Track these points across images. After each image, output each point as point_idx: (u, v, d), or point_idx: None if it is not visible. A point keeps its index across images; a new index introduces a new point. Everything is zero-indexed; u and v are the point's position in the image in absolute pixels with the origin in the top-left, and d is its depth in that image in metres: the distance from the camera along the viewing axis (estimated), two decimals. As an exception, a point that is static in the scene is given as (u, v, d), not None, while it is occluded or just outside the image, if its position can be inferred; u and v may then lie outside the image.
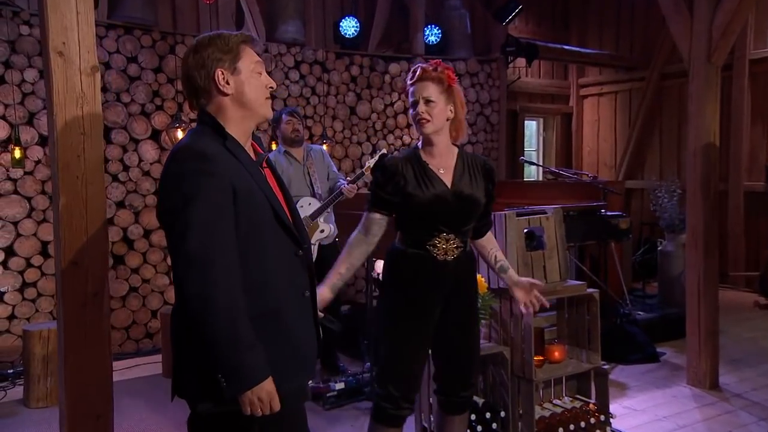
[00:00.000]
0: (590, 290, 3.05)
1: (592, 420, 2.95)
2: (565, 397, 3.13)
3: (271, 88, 1.58)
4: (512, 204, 5.56)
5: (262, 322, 1.44)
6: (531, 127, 7.92)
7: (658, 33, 6.89)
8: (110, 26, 4.44)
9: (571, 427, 2.87)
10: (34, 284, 4.22)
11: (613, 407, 3.28)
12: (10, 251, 4.15)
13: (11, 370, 3.93)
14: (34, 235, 4.21)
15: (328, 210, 3.75)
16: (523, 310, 2.31)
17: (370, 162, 3.49)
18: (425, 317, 2.16)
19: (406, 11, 5.96)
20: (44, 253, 4.21)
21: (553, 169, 5.34)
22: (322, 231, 3.73)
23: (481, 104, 6.43)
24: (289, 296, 1.51)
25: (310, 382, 3.31)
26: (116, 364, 4.15)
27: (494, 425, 2.82)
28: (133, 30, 4.53)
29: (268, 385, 1.39)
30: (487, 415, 2.81)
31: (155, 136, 4.62)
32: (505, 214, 3.01)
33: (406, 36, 6.07)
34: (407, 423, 2.26)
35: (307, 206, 3.69)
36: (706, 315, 3.64)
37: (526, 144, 7.64)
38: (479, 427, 2.79)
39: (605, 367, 3.05)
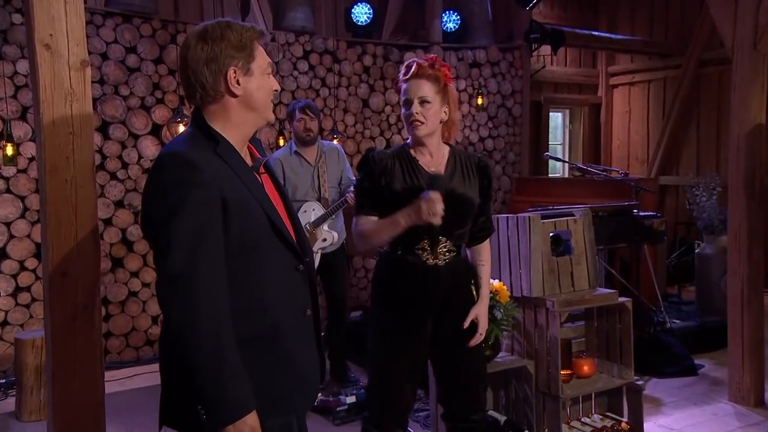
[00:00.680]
0: (622, 299, 2.98)
1: (625, 441, 2.87)
2: (595, 415, 3.07)
3: (276, 90, 1.54)
4: (536, 202, 5.51)
5: (257, 345, 1.40)
6: (556, 119, 7.82)
7: (696, 16, 6.74)
8: (108, 14, 4.43)
9: (602, 448, 2.80)
10: (27, 289, 4.23)
11: (648, 426, 3.20)
12: (2, 253, 4.16)
13: (3, 380, 3.94)
14: (28, 236, 4.22)
15: (333, 217, 3.67)
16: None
17: None
18: (414, 330, 2.10)
19: (423, -4, 5.91)
20: (39, 255, 4.21)
21: (581, 165, 5.24)
22: (325, 240, 3.66)
23: (502, 95, 6.34)
24: (288, 316, 1.46)
25: (320, 395, 3.28)
26: (114, 374, 4.15)
27: (517, 446, 2.76)
28: (132, 18, 4.51)
29: (251, 420, 1.33)
30: (510, 434, 2.75)
31: (156, 131, 4.61)
32: (529, 216, 2.95)
33: (423, 23, 6.00)
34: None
35: (310, 212, 3.63)
36: (750, 324, 3.55)
37: (550, 137, 7.54)
38: (501, 448, 2.72)
39: (639, 382, 2.98)
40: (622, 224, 4.23)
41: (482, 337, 2.20)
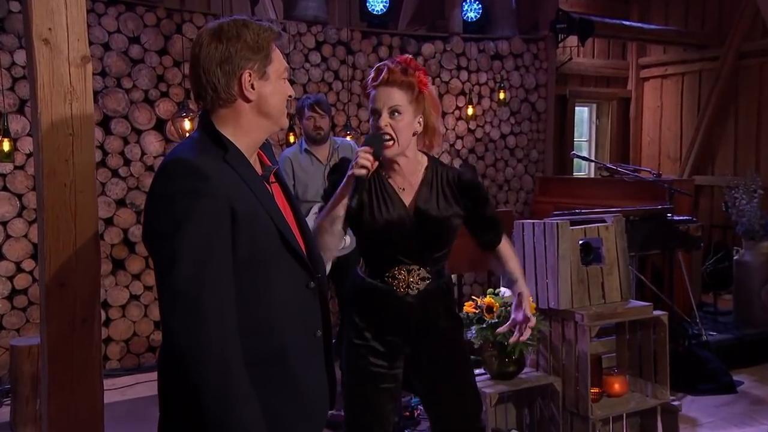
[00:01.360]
0: (657, 312, 2.93)
1: (659, 466, 2.82)
2: (626, 437, 3.01)
3: (290, 96, 1.51)
4: (560, 204, 5.45)
5: (263, 368, 1.37)
6: (582, 114, 7.73)
7: (736, 5, 6.62)
8: (110, 2, 4.42)
9: (634, 474, 2.75)
10: (24, 291, 4.23)
11: (683, 449, 3.13)
12: (-1, 254, 4.17)
13: (-1, 388, 3.95)
14: (25, 236, 4.22)
15: None
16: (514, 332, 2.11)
17: None
18: (389, 361, 2.03)
19: (442, -17, 5.85)
20: (36, 256, 4.20)
21: (610, 165, 5.16)
22: None
23: (526, 89, 6.27)
24: (297, 337, 1.43)
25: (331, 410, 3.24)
26: (115, 382, 4.14)
27: (543, 470, 2.71)
28: (135, 7, 4.49)
29: None
30: (535, 457, 2.70)
31: (160, 126, 4.59)
32: (557, 223, 2.90)
33: (442, 12, 5.94)
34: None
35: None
36: (794, 340, 3.47)
37: (575, 133, 7.45)
38: (525, 472, 2.68)
39: (675, 402, 2.91)
40: (655, 229, 4.15)
41: (533, 321, 2.08)
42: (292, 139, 4.81)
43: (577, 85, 7.29)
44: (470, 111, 5.84)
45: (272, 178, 1.52)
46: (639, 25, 6.99)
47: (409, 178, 2.01)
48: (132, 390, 4.11)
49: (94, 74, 4.24)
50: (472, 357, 2.30)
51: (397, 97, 1.91)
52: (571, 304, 2.86)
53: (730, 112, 6.87)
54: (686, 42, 7.04)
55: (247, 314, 1.35)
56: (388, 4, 5.51)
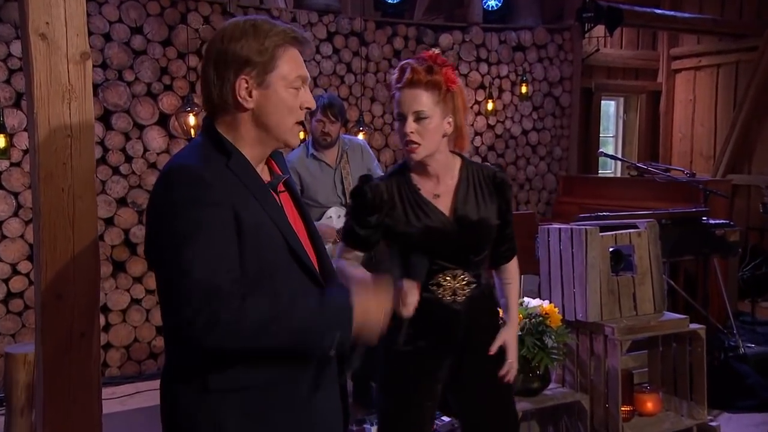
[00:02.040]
0: (694, 326, 2.88)
1: (694, 491, 2.77)
2: (659, 459, 2.96)
3: (308, 108, 1.44)
4: (585, 205, 5.38)
5: (275, 392, 1.36)
6: (608, 108, 7.64)
7: (776, -8, 6.50)
8: (111, -9, 4.41)
9: (668, 499, 2.70)
10: (20, 294, 4.23)
11: (720, 472, 3.07)
12: (-6, 256, 4.17)
13: (-7, 397, 3.95)
14: (22, 237, 4.22)
15: None
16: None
17: None
18: (434, 376, 2.03)
19: (461, -30, 5.81)
20: (33, 258, 4.21)
21: (640, 164, 5.09)
22: None
23: (549, 83, 6.21)
24: (299, 361, 1.40)
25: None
26: (114, 390, 4.14)
27: (569, 494, 2.67)
28: (137, -5, 4.49)
29: (360, 313, 1.35)
30: (561, 481, 2.66)
31: (163, 121, 4.58)
32: (585, 229, 2.86)
33: (460, 1, 5.89)
34: None
35: (336, 218, 3.55)
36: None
37: (601, 129, 7.37)
38: (551, 497, 2.63)
39: (713, 423, 2.86)
40: (688, 234, 4.09)
41: (514, 369, 2.09)
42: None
43: (603, 77, 7.21)
44: (490, 106, 5.79)
45: (281, 187, 1.49)
46: (671, 13, 6.88)
47: (443, 181, 2.00)
48: (132, 400, 4.10)
49: (94, 66, 4.21)
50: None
51: (423, 99, 1.88)
52: (601, 316, 2.83)
53: (770, 107, 6.76)
54: (722, 31, 6.93)
55: None
56: (403, -8, 5.47)
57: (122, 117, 4.45)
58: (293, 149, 1.41)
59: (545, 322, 2.66)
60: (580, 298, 2.83)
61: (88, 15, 1.93)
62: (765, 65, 6.66)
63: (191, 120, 4.40)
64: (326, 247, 1.63)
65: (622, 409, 2.76)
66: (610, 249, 2.90)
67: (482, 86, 5.84)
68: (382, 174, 3.65)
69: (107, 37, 4.39)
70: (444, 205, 1.98)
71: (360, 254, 2.01)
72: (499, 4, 5.97)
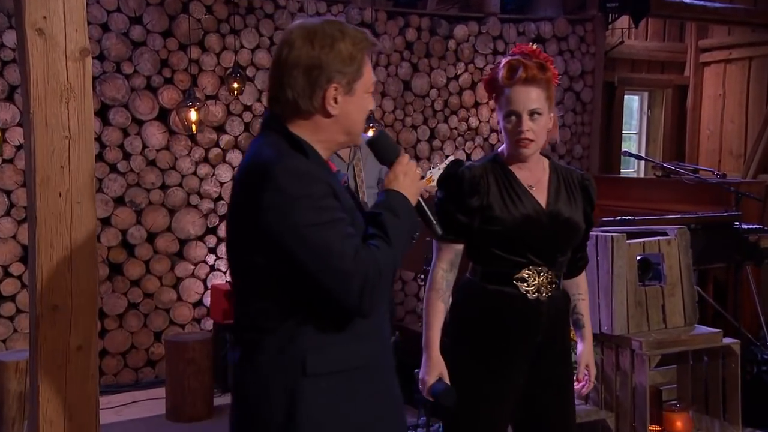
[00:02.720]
0: (728, 340, 2.85)
1: None
2: (689, 482, 2.93)
3: (371, 110, 1.58)
4: (607, 207, 5.33)
5: (358, 375, 1.49)
6: (631, 103, 7.59)
7: (813, -19, 6.43)
8: (109, -21, 4.41)
9: None
10: (12, 298, 4.24)
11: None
12: (-15, 257, 4.18)
13: (-15, 406, 3.95)
14: (14, 237, 4.23)
15: None
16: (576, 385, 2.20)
17: (433, 171, 3.29)
18: (510, 379, 2.06)
19: (478, -44, 5.76)
20: (25, 259, 4.21)
21: (668, 165, 5.04)
22: None
23: (570, 77, 6.17)
24: (380, 344, 1.57)
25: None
26: (110, 399, 4.14)
27: None
28: (137, -17, 4.48)
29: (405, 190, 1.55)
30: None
31: (163, 116, 4.58)
32: (612, 236, 2.83)
33: (477, -11, 5.85)
34: None
35: None
36: None
37: (624, 126, 7.31)
38: None
39: (746, 445, 2.83)
40: (719, 240, 4.05)
41: (592, 386, 2.19)
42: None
43: (626, 71, 7.14)
44: (508, 101, 5.74)
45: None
46: (701, 3, 6.81)
47: (536, 174, 2.07)
48: (129, 410, 4.11)
49: (91, 58, 4.22)
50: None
51: (536, 96, 1.96)
52: (627, 329, 2.80)
53: (805, 104, 6.69)
54: (755, 22, 6.85)
55: (342, 322, 1.46)
56: (417, -19, 5.45)
57: (120, 112, 4.45)
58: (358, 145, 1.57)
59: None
60: (606, 309, 2.80)
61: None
62: (800, 59, 6.60)
63: (193, 115, 4.39)
64: None
65: (650, 428, 2.73)
66: (638, 257, 2.87)
67: (498, 80, 5.80)
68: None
69: (105, 28, 4.39)
70: (539, 196, 2.05)
71: (460, 248, 2.07)
72: (518, -6, 5.93)
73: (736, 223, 4.15)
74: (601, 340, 2.82)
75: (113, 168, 4.44)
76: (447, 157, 3.51)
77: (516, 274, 2.02)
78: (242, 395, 1.51)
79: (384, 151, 1.60)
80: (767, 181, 6.44)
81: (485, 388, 2.04)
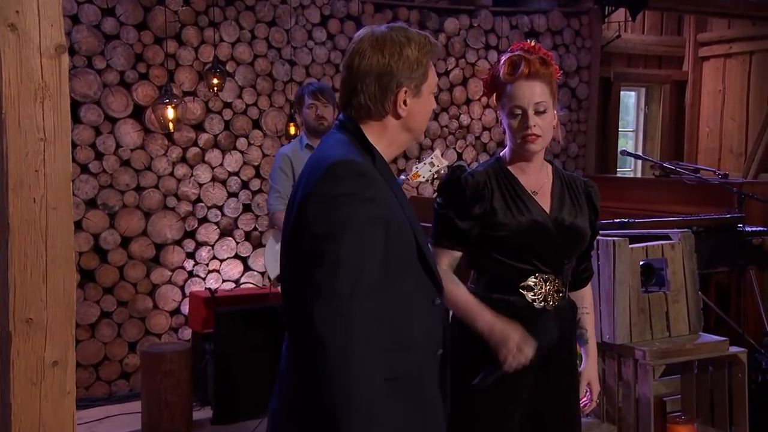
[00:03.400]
0: (734, 349, 2.87)
1: None
2: (694, 497, 2.95)
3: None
4: (605, 209, 5.30)
5: (406, 386, 1.56)
6: (628, 99, 7.64)
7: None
8: (80, -32, 4.38)
9: None
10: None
11: None
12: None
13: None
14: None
15: None
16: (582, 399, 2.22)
17: (419, 167, 3.28)
18: (514, 393, 2.06)
19: (469, -54, 5.79)
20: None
21: (668, 164, 5.08)
22: None
23: (565, 72, 6.19)
24: (428, 355, 1.63)
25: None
26: (81, 415, 4.10)
27: None
28: (109, -28, 4.47)
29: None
30: None
31: (137, 113, 4.57)
32: (614, 240, 2.84)
33: (468, -19, 5.88)
34: None
35: None
36: None
37: (620, 123, 7.36)
38: None
39: (754, 458, 2.85)
40: (722, 243, 4.08)
41: (595, 405, 2.21)
42: (293, 130, 4.75)
43: (623, 65, 7.20)
44: (500, 97, 5.76)
45: None
46: (701, -5, 6.89)
47: (539, 179, 2.09)
48: (102, 426, 4.09)
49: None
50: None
51: (540, 91, 1.99)
52: (630, 337, 2.82)
53: (807, 100, 6.77)
54: (756, 15, 6.92)
55: (390, 328, 1.53)
56: (405, -29, 5.45)
57: (92, 109, 4.42)
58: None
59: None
60: (607, 317, 2.81)
61: (55, -6, 1.89)
62: (802, 54, 6.68)
63: (169, 113, 4.36)
64: None
65: (654, 441, 2.73)
66: (641, 263, 2.88)
67: (491, 76, 5.83)
68: None
69: (75, 20, 4.36)
70: (542, 202, 2.07)
71: (458, 255, 2.09)
72: (511, -15, 5.96)
73: (739, 225, 4.18)
74: (602, 349, 2.83)
75: (84, 169, 4.42)
76: (437, 149, 3.48)
77: (522, 282, 2.04)
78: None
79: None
80: (761, 178, 6.53)
81: (489, 401, 2.04)
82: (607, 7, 6.24)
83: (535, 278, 2.04)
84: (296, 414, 1.55)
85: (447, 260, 2.07)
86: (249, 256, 4.95)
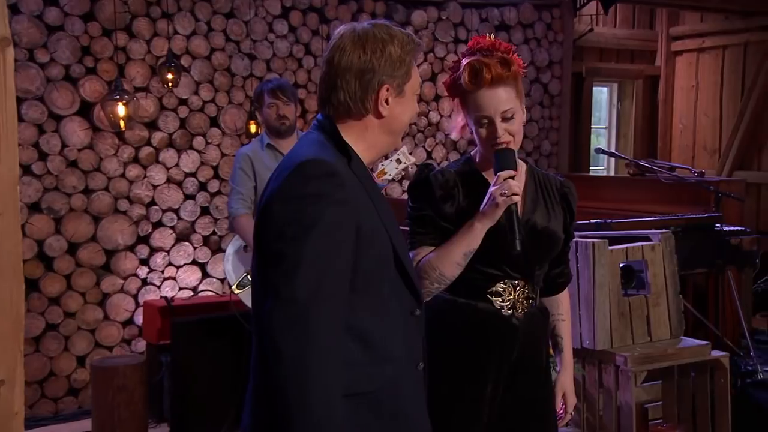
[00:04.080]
0: (716, 353, 2.92)
1: None
2: (677, 507, 3.00)
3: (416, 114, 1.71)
4: (579, 209, 5.38)
5: (378, 400, 1.55)
6: (600, 95, 7.74)
7: (789, -36, 6.68)
8: (21, -46, 4.30)
9: None
10: None
11: None
12: None
13: None
14: None
15: None
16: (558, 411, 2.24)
17: (384, 164, 3.27)
18: (483, 402, 2.06)
19: (436, -66, 5.80)
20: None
21: (643, 162, 5.16)
22: None
23: (537, 67, 6.26)
24: (405, 369, 1.62)
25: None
26: (27, 436, 4.01)
27: None
28: (52, -41, 4.41)
29: None
30: None
31: (85, 110, 4.51)
32: (593, 242, 2.87)
33: (436, -30, 5.90)
34: None
35: None
36: None
37: (593, 119, 7.46)
38: None
39: (737, 466, 2.90)
40: (700, 243, 4.17)
41: (570, 417, 2.21)
42: (253, 128, 4.71)
43: (595, 60, 7.28)
44: (470, 93, 5.79)
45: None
46: (673, -12, 7.02)
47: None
48: (49, 446, 3.99)
49: None
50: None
51: (505, 97, 1.96)
52: (611, 343, 2.84)
53: (782, 95, 6.92)
54: (728, 8, 7.07)
55: (361, 339, 1.53)
56: (370, -39, 5.45)
57: (34, 106, 4.36)
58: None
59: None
60: (587, 322, 2.83)
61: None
62: (777, 48, 6.84)
63: (120, 110, 4.30)
64: None
65: (636, 450, 2.77)
66: (621, 265, 2.91)
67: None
68: None
69: (14, 9, 4.27)
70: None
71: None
72: (480, -24, 5.99)
73: (717, 225, 4.26)
74: (582, 355, 2.86)
75: (27, 170, 4.34)
76: (404, 146, 3.46)
77: (490, 288, 2.04)
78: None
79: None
80: (746, 179, 6.67)
81: (457, 411, 2.04)
82: (578, 0, 6.31)
83: (504, 284, 2.04)
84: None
85: (425, 254, 2.05)
86: (207, 262, 4.89)
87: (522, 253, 1.97)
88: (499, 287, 2.04)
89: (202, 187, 4.85)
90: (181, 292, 4.77)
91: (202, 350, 4.06)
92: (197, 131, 4.81)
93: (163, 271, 4.74)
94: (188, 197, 4.81)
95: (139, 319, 4.61)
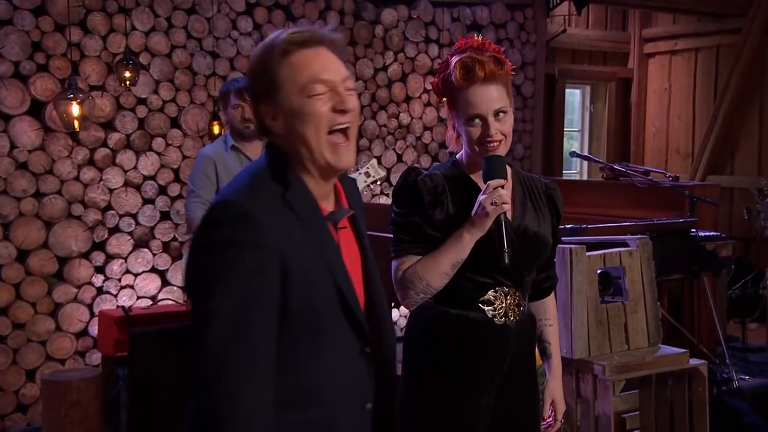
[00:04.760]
0: (694, 361, 2.95)
1: None
2: None
3: (341, 111, 1.49)
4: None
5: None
6: (573, 98, 7.82)
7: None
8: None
9: None
10: None
11: None
12: None
13: None
14: None
15: None
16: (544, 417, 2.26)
17: (362, 171, 3.26)
18: (475, 414, 2.07)
19: (406, -69, 5.84)
20: None
21: (618, 166, 5.21)
22: None
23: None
24: (345, 410, 1.55)
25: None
26: (-27, 456, 3.92)
27: None
28: (2, -51, 4.34)
29: None
30: None
31: (36, 110, 4.46)
32: (570, 248, 2.89)
33: (406, -31, 5.92)
34: None
35: None
36: None
37: (566, 122, 7.53)
38: None
39: (717, 477, 2.93)
40: (676, 249, 4.21)
41: (559, 425, 2.22)
42: (216, 129, 4.68)
43: (566, 62, 7.37)
44: (441, 95, 5.81)
45: (344, 223, 1.60)
46: (645, -11, 7.12)
47: None
48: (-3, 467, 3.90)
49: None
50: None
51: (498, 95, 2.00)
52: (588, 351, 2.85)
53: (755, 97, 7.06)
54: (701, 11, 7.20)
55: (292, 384, 1.47)
56: (338, -43, 5.45)
57: (-19, 105, 4.31)
58: (341, 167, 1.48)
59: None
60: (564, 330, 2.83)
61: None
62: (750, 50, 6.96)
63: (74, 109, 4.22)
64: None
65: (614, 461, 2.78)
66: (598, 271, 2.93)
67: (432, 72, 5.85)
68: None
69: (-39, 3, 4.21)
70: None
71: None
72: (451, -26, 6.02)
73: (692, 230, 4.31)
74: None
75: (-26, 173, 4.28)
76: (373, 158, 3.49)
77: (481, 296, 2.05)
78: None
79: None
80: (721, 183, 6.78)
81: (447, 424, 2.05)
82: (551, 0, 6.38)
83: (495, 292, 2.05)
84: None
85: (410, 263, 2.04)
86: (167, 269, 4.83)
87: (511, 261, 1.98)
88: (490, 295, 2.05)
89: (162, 190, 4.80)
90: (139, 301, 4.71)
91: (162, 362, 3.99)
92: (157, 132, 4.76)
93: (120, 279, 4.68)
94: (147, 201, 4.75)
95: (94, 329, 4.54)
